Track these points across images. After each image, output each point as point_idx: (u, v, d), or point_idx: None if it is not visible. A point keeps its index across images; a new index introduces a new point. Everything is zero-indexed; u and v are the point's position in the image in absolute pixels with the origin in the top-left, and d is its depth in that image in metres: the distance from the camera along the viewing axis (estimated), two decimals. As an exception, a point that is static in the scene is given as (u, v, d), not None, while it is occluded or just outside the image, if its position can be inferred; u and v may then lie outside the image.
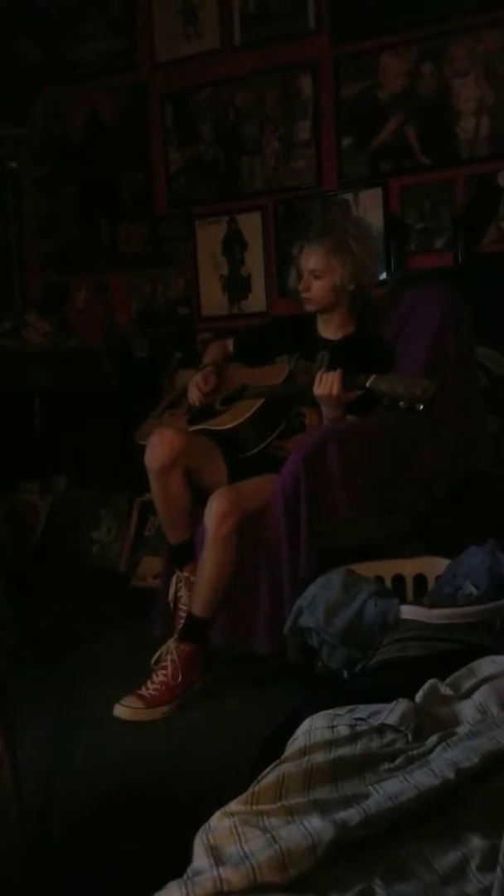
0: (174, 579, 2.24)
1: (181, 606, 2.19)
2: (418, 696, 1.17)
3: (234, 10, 3.45)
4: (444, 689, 1.20)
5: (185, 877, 0.84)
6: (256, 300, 3.55)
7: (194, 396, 2.39)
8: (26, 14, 3.89)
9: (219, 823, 0.90)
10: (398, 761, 1.01)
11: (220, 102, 3.54)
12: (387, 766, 1.01)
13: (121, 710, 2.03)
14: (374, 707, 1.14)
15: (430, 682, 1.21)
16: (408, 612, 1.65)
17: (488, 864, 0.82)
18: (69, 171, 3.92)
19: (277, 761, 1.04)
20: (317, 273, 2.31)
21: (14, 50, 3.93)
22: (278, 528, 2.05)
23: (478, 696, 1.15)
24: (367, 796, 0.91)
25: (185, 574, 2.20)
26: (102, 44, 3.75)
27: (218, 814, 0.92)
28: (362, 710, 1.14)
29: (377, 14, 3.18)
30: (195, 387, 2.39)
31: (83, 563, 3.41)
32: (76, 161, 3.89)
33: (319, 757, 1.02)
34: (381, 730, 1.09)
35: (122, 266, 3.81)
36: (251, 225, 3.53)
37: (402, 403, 1.92)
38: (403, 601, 1.74)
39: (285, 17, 3.36)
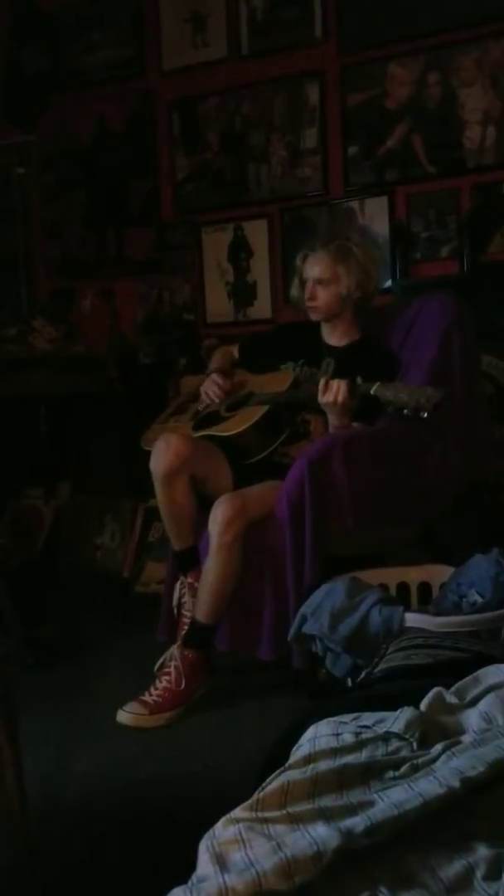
0: (178, 585, 2.24)
1: (185, 612, 2.19)
2: (423, 705, 1.17)
3: (241, 19, 3.47)
4: (450, 698, 1.20)
5: (189, 883, 0.83)
6: (262, 307, 3.55)
7: (214, 393, 2.38)
8: (35, 22, 3.92)
9: (224, 830, 0.90)
10: (403, 769, 1.00)
11: (228, 110, 3.55)
12: (392, 774, 1.00)
13: (124, 717, 2.03)
14: (379, 715, 1.14)
15: (435, 690, 1.20)
16: (412, 619, 1.65)
17: (494, 873, 0.82)
18: (77, 177, 3.93)
19: (282, 768, 1.04)
20: (323, 281, 2.32)
21: (23, 57, 3.95)
22: (283, 535, 2.06)
23: (483, 704, 1.15)
24: (372, 804, 0.91)
25: (190, 580, 2.20)
26: (111, 52, 3.77)
27: (223, 820, 0.92)
28: (367, 718, 1.14)
29: (384, 23, 3.19)
30: (214, 384, 2.38)
31: (87, 568, 3.42)
32: (84, 168, 3.91)
33: (324, 765, 1.02)
34: (386, 738, 1.09)
35: (128, 272, 3.82)
36: (257, 232, 3.54)
37: (406, 411, 1.93)
38: (408, 609, 1.74)
39: (292, 27, 3.37)
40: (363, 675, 1.59)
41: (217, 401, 2.37)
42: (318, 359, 2.39)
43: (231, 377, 2.49)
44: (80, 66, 3.85)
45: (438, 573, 1.99)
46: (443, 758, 1.01)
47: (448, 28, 3.08)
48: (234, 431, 2.25)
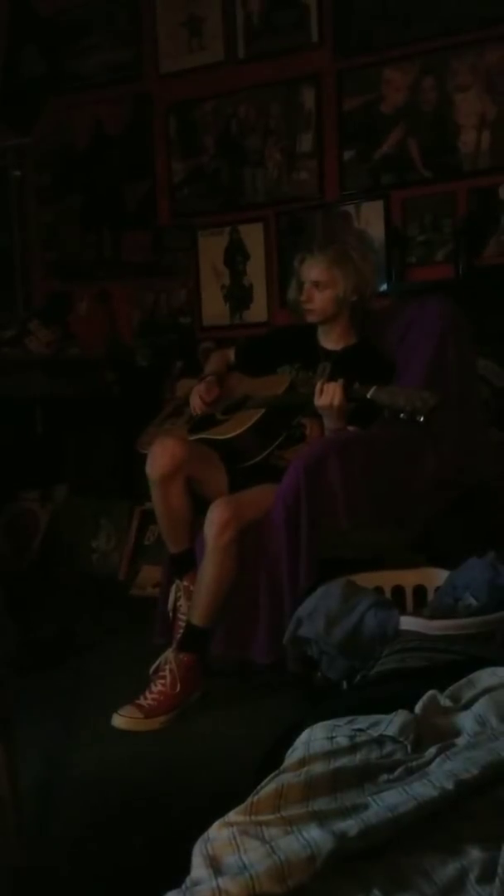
0: (174, 588, 2.24)
1: (180, 616, 2.19)
2: (418, 708, 1.17)
3: (237, 23, 3.48)
4: (444, 701, 1.20)
5: (183, 887, 0.84)
6: (258, 311, 3.56)
7: (196, 405, 2.40)
8: (33, 25, 3.92)
9: (218, 834, 0.90)
10: (397, 772, 1.01)
11: (224, 114, 3.56)
12: (386, 777, 1.01)
13: (119, 720, 2.02)
14: (373, 718, 1.14)
15: (430, 693, 1.21)
16: (407, 623, 1.65)
17: (487, 876, 0.82)
18: (73, 180, 3.94)
19: (276, 772, 1.04)
20: (319, 284, 2.32)
21: (20, 60, 3.96)
22: (278, 538, 2.06)
23: (477, 707, 1.15)
24: (366, 807, 0.91)
25: (185, 583, 2.20)
26: (108, 55, 3.78)
27: (217, 824, 0.92)
28: (362, 721, 1.14)
29: (380, 28, 3.20)
30: (197, 396, 2.40)
31: (83, 571, 3.41)
32: (80, 170, 3.91)
33: (319, 768, 1.02)
34: (380, 741, 1.09)
35: (124, 275, 3.82)
36: (253, 236, 3.54)
37: (402, 415, 1.93)
38: (403, 612, 1.75)
39: (289, 31, 3.38)
40: (358, 678, 1.60)
41: (200, 413, 2.38)
42: (315, 362, 2.39)
43: (226, 380, 2.50)
44: (76, 68, 3.85)
45: (434, 576, 1.99)
46: (437, 760, 1.01)
47: (443, 33, 3.09)
48: (230, 435, 2.26)
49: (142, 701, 2.05)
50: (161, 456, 2.15)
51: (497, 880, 0.81)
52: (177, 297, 3.73)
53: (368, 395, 2.02)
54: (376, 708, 1.18)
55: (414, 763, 1.02)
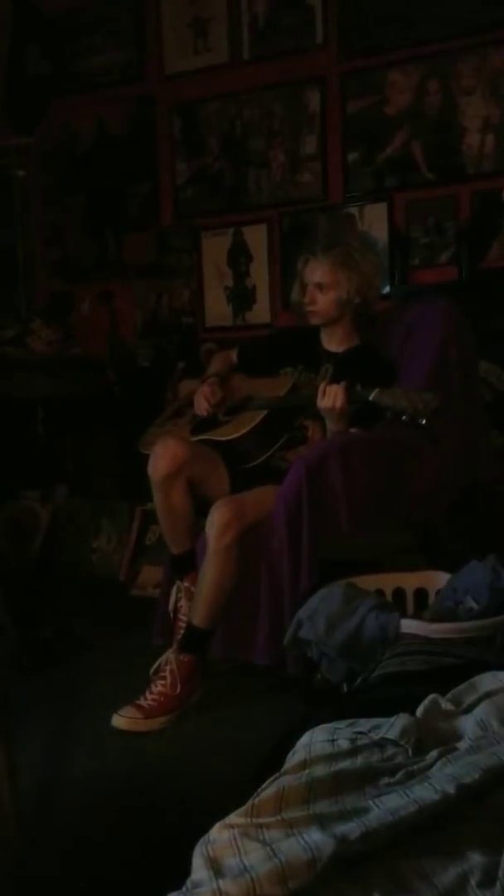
0: (174, 589, 2.23)
1: (181, 617, 2.18)
2: (419, 711, 1.17)
3: (242, 25, 3.48)
4: (445, 704, 1.20)
5: (184, 888, 0.84)
6: (261, 312, 3.56)
7: (202, 407, 2.38)
8: (37, 24, 3.92)
9: (218, 836, 0.90)
10: (398, 776, 1.01)
11: (228, 115, 3.56)
12: (387, 780, 1.00)
13: (119, 721, 2.02)
14: (374, 721, 1.14)
15: (431, 696, 1.21)
16: (408, 626, 1.65)
17: (488, 880, 0.82)
18: (77, 180, 3.94)
19: (277, 774, 1.04)
20: (322, 286, 2.32)
21: (24, 60, 3.96)
22: (279, 540, 2.06)
23: (479, 711, 1.15)
24: (367, 810, 0.91)
25: (186, 584, 2.20)
26: (112, 55, 3.78)
27: (217, 826, 0.92)
28: (363, 724, 1.14)
29: (385, 30, 3.20)
30: (203, 398, 2.39)
31: (83, 571, 3.41)
32: (84, 171, 3.91)
33: (320, 770, 1.02)
34: (381, 744, 1.09)
35: (127, 276, 3.82)
36: (257, 237, 3.54)
37: (404, 417, 1.93)
38: (404, 615, 1.75)
39: (293, 32, 3.38)
40: (359, 681, 1.59)
41: (205, 415, 2.37)
42: (317, 364, 2.39)
43: (229, 382, 2.50)
44: (81, 69, 3.85)
45: (435, 579, 1.99)
46: (438, 764, 1.01)
47: (448, 36, 3.09)
48: (233, 436, 2.26)
49: (142, 701, 2.05)
50: (163, 456, 2.16)
51: (498, 885, 0.81)
52: (179, 298, 3.73)
53: (371, 398, 2.02)
54: (377, 711, 1.18)
55: (415, 766, 1.02)
